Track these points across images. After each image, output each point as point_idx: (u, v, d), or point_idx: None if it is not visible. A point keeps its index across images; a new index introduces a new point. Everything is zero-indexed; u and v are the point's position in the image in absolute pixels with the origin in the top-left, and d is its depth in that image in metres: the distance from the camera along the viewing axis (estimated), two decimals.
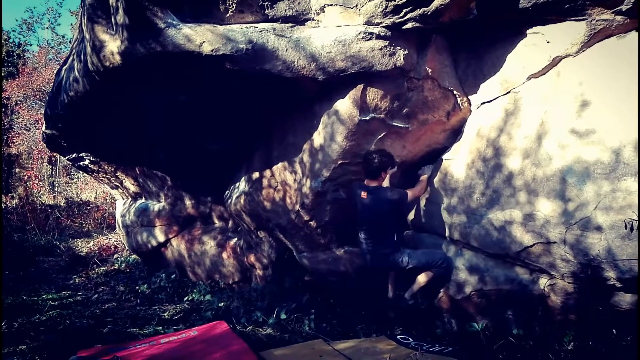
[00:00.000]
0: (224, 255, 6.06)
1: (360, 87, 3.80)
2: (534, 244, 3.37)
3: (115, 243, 9.28)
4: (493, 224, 3.62)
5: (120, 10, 3.54)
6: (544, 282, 3.47)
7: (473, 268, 3.83)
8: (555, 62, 3.55)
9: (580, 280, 3.26)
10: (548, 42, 3.52)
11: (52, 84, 14.83)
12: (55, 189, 16.01)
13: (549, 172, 3.35)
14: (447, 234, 4.06)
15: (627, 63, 3.16)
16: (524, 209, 3.45)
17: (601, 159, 3.11)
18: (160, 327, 4.48)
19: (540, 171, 3.41)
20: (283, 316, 4.50)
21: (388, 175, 4.17)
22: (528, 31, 3.62)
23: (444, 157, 4.26)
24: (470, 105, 4.17)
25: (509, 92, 3.85)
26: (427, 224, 4.32)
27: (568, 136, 3.32)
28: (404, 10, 3.33)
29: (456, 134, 4.32)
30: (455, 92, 4.07)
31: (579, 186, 3.17)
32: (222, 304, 5.18)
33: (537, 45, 3.59)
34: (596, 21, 3.24)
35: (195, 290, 5.97)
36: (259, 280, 5.69)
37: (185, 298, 5.77)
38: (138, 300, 5.84)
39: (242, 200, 5.11)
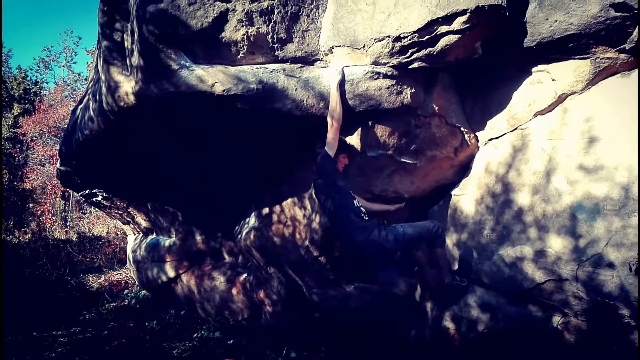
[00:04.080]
0: (234, 291, 6.04)
1: (368, 124, 3.87)
2: (545, 281, 3.34)
3: (125, 278, 9.27)
4: (504, 260, 3.59)
5: (135, 53, 3.66)
6: (557, 320, 3.42)
7: (485, 305, 3.78)
8: (561, 99, 3.59)
9: (594, 318, 3.21)
10: (553, 79, 3.57)
11: (67, 120, 15.15)
12: (68, 224, 16.14)
13: (559, 208, 3.35)
14: (457, 269, 4.03)
15: (633, 100, 3.19)
16: (535, 245, 3.43)
17: (610, 195, 3.11)
18: None
19: (550, 207, 3.41)
20: (293, 354, 4.45)
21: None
22: (533, 69, 3.67)
23: (453, 192, 4.27)
24: (477, 141, 4.21)
25: (516, 128, 3.88)
26: None
27: (577, 172, 3.33)
28: (410, 51, 3.41)
29: (464, 169, 4.34)
30: (462, 129, 4.11)
31: (589, 222, 3.16)
32: (232, 341, 5.13)
33: (542, 82, 3.64)
34: (600, 59, 3.29)
35: (204, 327, 5.93)
36: (269, 317, 5.64)
37: (195, 335, 5.72)
38: (147, 336, 5.79)
39: (251, 236, 5.13)
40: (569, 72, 3.48)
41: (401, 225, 3.80)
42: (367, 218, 3.74)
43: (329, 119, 3.61)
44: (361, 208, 3.75)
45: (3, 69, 23.82)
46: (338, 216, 3.71)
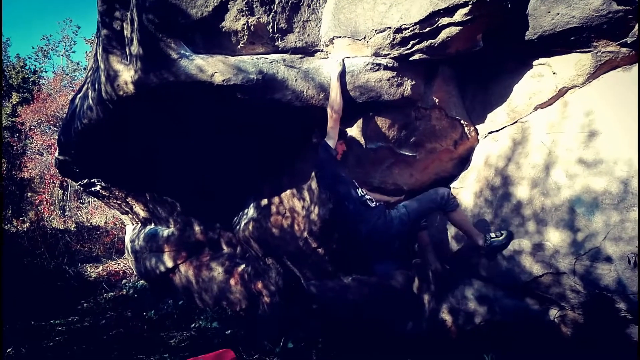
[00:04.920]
0: (232, 281, 6.05)
1: (368, 116, 3.86)
2: (543, 274, 3.34)
3: (123, 268, 9.29)
4: (502, 254, 3.60)
5: (135, 42, 3.64)
6: (554, 313, 3.43)
7: (482, 298, 3.79)
8: (562, 92, 3.59)
9: (590, 312, 3.22)
10: (554, 73, 3.56)
11: (65, 109, 15.08)
12: (66, 214, 16.14)
13: (558, 202, 3.35)
14: (455, 263, 4.03)
15: (634, 94, 3.19)
16: (533, 238, 3.43)
17: (609, 189, 3.11)
18: (167, 355, 4.45)
19: (548, 201, 3.41)
20: (290, 345, 4.46)
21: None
22: (534, 62, 3.66)
23: (452, 185, 4.27)
24: (477, 134, 4.20)
25: (516, 121, 3.88)
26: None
27: (576, 166, 3.33)
28: (411, 42, 3.39)
29: (464, 162, 4.34)
30: (462, 122, 4.10)
31: (587, 216, 3.16)
32: (229, 331, 5.15)
33: (543, 76, 3.63)
34: (602, 53, 3.28)
35: (202, 317, 5.94)
36: (266, 308, 5.65)
37: (192, 325, 5.73)
38: (145, 326, 5.81)
39: (250, 227, 5.13)
40: (570, 65, 3.47)
41: (403, 204, 3.69)
42: (374, 205, 3.65)
43: (329, 110, 3.60)
44: (366, 196, 3.71)
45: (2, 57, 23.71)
46: (343, 207, 3.68)
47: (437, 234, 4.23)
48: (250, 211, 5.27)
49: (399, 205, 3.71)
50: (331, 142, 3.62)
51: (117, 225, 12.50)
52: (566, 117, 3.53)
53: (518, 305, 3.59)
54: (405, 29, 3.31)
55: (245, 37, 3.60)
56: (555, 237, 3.30)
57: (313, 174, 4.37)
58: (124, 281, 8.56)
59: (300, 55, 3.74)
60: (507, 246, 3.56)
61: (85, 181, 6.79)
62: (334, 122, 3.60)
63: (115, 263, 9.73)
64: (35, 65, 24.62)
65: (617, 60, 3.29)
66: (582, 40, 3.24)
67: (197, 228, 6.48)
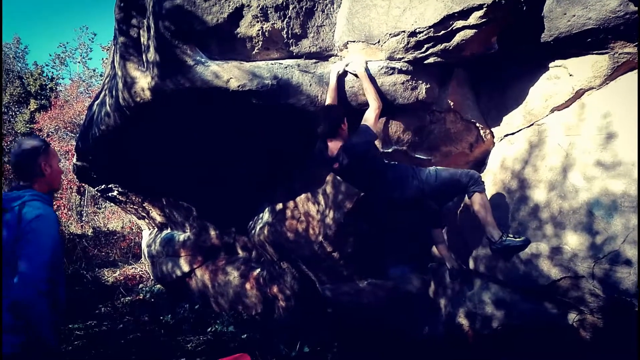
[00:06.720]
0: (247, 286, 6.07)
1: (382, 120, 3.86)
2: (561, 278, 3.30)
3: (140, 273, 9.36)
4: (519, 257, 3.56)
5: (152, 49, 3.69)
6: (572, 317, 3.39)
7: (499, 302, 3.76)
8: (578, 94, 3.55)
9: (610, 316, 3.17)
10: (571, 75, 3.53)
11: (82, 116, 15.26)
12: (83, 219, 16.31)
13: (576, 205, 3.32)
14: (472, 266, 4.01)
15: None
16: (551, 242, 3.40)
17: (628, 192, 3.07)
18: (184, 359, 4.49)
19: (566, 204, 3.38)
20: (306, 349, 4.47)
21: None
22: (550, 64, 3.64)
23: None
24: (493, 137, 4.18)
25: (532, 124, 3.85)
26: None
27: (594, 168, 3.29)
28: (426, 46, 3.39)
29: (480, 165, 4.31)
30: (477, 125, 4.08)
31: (606, 219, 3.13)
32: (245, 335, 5.17)
33: (560, 78, 3.61)
34: (619, 54, 3.25)
35: (218, 321, 5.97)
36: (282, 312, 5.67)
37: (209, 329, 5.77)
38: (162, 330, 5.86)
39: (265, 231, 5.15)
40: (586, 67, 3.44)
41: (435, 168, 3.63)
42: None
43: (374, 104, 3.51)
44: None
45: (20, 65, 24.17)
46: (383, 181, 3.61)
47: (455, 234, 4.20)
48: (265, 215, 5.29)
49: (430, 168, 3.63)
50: (372, 125, 3.50)
51: (134, 230, 12.61)
52: (583, 119, 3.49)
53: (536, 309, 3.55)
54: (420, 32, 3.31)
55: (260, 42, 3.62)
56: (573, 241, 3.26)
57: (328, 177, 4.38)
58: (140, 286, 8.63)
59: (314, 60, 3.76)
60: (521, 250, 3.49)
61: (102, 187, 6.87)
62: (377, 112, 3.52)
63: (132, 268, 9.82)
64: (52, 73, 25.03)
65: (634, 61, 3.26)
66: (599, 41, 3.22)
67: (212, 232, 6.52)
